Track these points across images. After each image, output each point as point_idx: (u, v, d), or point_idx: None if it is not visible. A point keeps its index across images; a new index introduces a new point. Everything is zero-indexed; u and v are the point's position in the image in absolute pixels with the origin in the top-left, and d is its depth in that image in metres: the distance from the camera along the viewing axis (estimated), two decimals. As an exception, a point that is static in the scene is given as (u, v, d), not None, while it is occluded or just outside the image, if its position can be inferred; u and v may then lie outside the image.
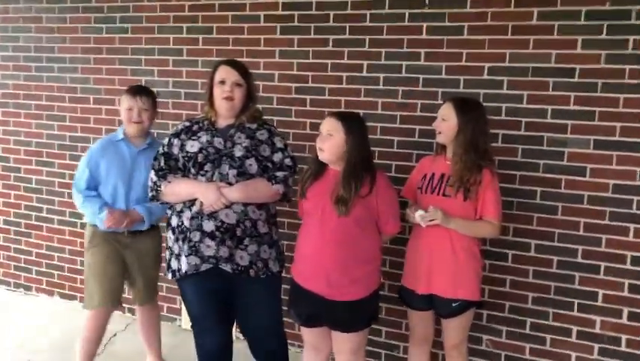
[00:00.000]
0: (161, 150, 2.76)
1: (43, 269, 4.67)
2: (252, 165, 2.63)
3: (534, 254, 3.28)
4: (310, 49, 3.64)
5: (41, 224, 4.63)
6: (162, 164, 2.71)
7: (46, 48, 4.44)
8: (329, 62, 3.60)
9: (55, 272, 4.63)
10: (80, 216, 4.41)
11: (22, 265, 4.74)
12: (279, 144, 2.75)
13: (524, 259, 3.31)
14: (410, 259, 2.85)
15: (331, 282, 2.56)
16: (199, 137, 2.69)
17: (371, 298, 2.63)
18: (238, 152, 2.63)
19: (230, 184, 2.59)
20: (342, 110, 3.42)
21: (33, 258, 4.68)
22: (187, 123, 2.79)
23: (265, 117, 3.55)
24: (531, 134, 3.22)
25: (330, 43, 3.58)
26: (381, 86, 3.49)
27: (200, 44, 3.93)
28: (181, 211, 2.69)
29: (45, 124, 4.51)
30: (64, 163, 4.48)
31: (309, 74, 3.65)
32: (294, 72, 3.69)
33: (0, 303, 4.58)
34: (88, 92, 4.33)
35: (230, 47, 3.83)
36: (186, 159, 2.67)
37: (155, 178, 2.70)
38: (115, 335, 4.07)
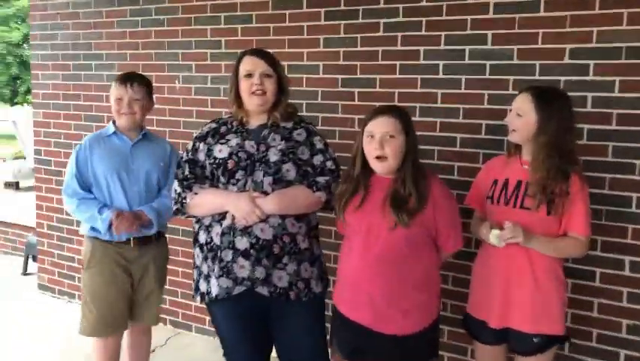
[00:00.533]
0: (185, 156, 2.41)
1: None
2: (289, 170, 2.28)
3: (629, 273, 2.73)
4: (358, 35, 3.20)
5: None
6: (187, 172, 2.36)
7: (84, 45, 4.22)
8: (380, 49, 3.15)
9: None
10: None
11: (65, 271, 4.56)
12: (319, 145, 2.38)
13: (616, 279, 2.76)
14: (479, 284, 2.37)
15: (377, 312, 2.14)
16: (228, 140, 2.34)
17: (427, 333, 2.18)
18: (273, 156, 2.28)
19: (266, 193, 2.24)
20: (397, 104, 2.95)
21: (75, 265, 4.50)
22: (213, 125, 2.43)
23: (307, 114, 3.18)
24: (625, 129, 2.66)
25: (381, 28, 3.13)
26: (440, 75, 3.02)
27: (239, 35, 3.57)
28: (210, 226, 2.33)
29: (84, 125, 4.29)
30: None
31: (357, 63, 3.22)
32: (340, 62, 3.27)
33: (44, 311, 4.42)
34: (125, 90, 4.07)
35: (271, 37, 3.45)
36: (214, 166, 2.32)
37: (179, 189, 2.35)
38: (154, 350, 3.79)
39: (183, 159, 2.42)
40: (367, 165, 2.19)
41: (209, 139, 2.38)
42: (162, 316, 4.09)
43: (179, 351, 3.79)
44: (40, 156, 4.56)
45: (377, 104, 2.99)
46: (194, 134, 2.46)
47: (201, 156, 2.36)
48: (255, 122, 2.38)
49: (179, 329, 4.06)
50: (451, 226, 2.17)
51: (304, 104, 3.37)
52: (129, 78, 2.78)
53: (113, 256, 2.78)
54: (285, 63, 2.62)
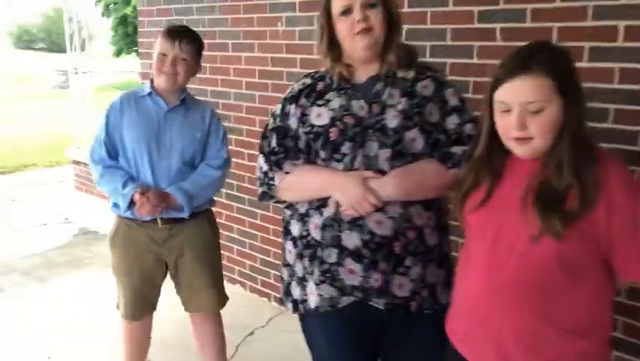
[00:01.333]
0: (271, 122, 1.85)
1: (235, 256, 3.92)
2: (414, 139, 1.67)
3: None
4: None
5: (232, 204, 3.91)
6: (274, 144, 1.81)
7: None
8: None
9: (247, 262, 3.89)
10: (227, 185, 3.75)
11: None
12: (454, 101, 1.72)
13: None
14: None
15: (506, 358, 1.42)
16: (328, 101, 1.75)
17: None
18: (392, 120, 1.67)
19: (382, 173, 1.65)
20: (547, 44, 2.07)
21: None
22: (307, 80, 1.83)
23: (431, 60, 2.43)
24: None
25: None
26: None
27: None
28: (306, 215, 1.77)
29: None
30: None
31: (501, -10, 2.37)
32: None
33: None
34: (226, 36, 3.57)
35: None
36: (311, 136, 1.75)
37: (265, 167, 1.81)
38: (252, 333, 3.38)
39: (269, 127, 1.84)
40: (499, 143, 1.43)
41: (303, 100, 1.78)
42: (266, 291, 3.66)
43: (281, 335, 3.33)
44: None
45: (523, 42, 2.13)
46: (284, 95, 1.86)
47: (293, 123, 1.78)
48: (362, 75, 1.75)
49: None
50: (637, 236, 1.34)
51: (428, 47, 2.60)
52: (178, 34, 2.29)
53: (138, 237, 2.39)
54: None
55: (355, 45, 1.69)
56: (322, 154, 1.71)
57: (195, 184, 2.34)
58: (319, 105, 1.74)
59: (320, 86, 1.78)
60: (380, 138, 1.66)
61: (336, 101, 1.72)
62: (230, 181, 3.68)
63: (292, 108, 1.79)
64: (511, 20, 2.36)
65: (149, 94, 2.35)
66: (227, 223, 3.82)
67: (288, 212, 1.85)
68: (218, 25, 3.60)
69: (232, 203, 3.77)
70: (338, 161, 1.69)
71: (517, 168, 1.42)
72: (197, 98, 2.53)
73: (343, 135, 1.67)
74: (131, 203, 2.27)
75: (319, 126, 1.71)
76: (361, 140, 1.66)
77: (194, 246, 2.43)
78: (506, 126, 1.37)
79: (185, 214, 2.34)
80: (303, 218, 1.77)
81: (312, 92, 1.78)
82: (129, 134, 2.32)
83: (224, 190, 3.74)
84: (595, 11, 2.16)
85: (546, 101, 1.31)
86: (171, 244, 2.40)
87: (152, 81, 2.36)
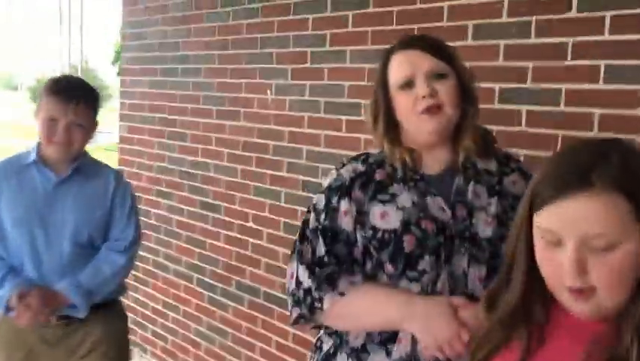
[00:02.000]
0: (313, 219, 1.44)
1: (159, 330, 3.63)
2: None
3: None
4: None
5: (157, 272, 3.61)
6: (322, 252, 1.39)
7: (171, 45, 3.41)
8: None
9: (169, 337, 3.56)
10: (199, 269, 3.28)
11: (139, 319, 3.77)
12: None
13: None
14: None
15: None
16: (394, 196, 1.38)
17: None
18: (485, 227, 1.35)
19: (475, 298, 1.28)
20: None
21: (149, 313, 3.69)
22: (359, 166, 1.45)
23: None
24: None
25: None
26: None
27: (349, 26, 2.48)
28: (362, 351, 1.38)
29: (167, 144, 3.48)
30: (183, 196, 3.39)
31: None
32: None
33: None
34: (210, 102, 3.18)
35: (394, 27, 2.31)
36: (375, 243, 1.37)
37: (307, 282, 1.39)
38: None
39: (310, 226, 1.43)
40: (541, 283, 0.94)
41: (358, 192, 1.40)
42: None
43: None
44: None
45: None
46: (325, 183, 1.46)
47: (346, 223, 1.39)
48: (431, 163, 1.42)
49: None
50: None
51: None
52: (73, 94, 1.87)
53: (26, 337, 1.91)
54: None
55: (420, 127, 1.37)
56: (390, 269, 1.34)
57: (94, 276, 1.89)
58: (382, 202, 1.37)
59: (379, 175, 1.40)
60: (471, 251, 1.31)
61: (406, 198, 1.36)
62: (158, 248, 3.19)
63: (344, 203, 1.38)
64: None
65: (35, 162, 1.92)
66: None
67: (329, 340, 1.43)
68: (202, 90, 3.22)
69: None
70: (413, 280, 1.32)
71: (571, 324, 0.93)
72: (98, 161, 2.09)
73: (422, 246, 1.31)
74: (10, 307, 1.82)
75: (387, 231, 1.33)
76: (447, 253, 1.31)
77: (98, 346, 1.95)
78: (556, 269, 0.89)
79: (81, 314, 1.88)
80: (358, 355, 1.36)
81: (369, 183, 1.40)
82: (8, 215, 1.88)
83: (152, 257, 3.25)
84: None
85: (619, 233, 0.84)
86: (68, 344, 1.92)
87: (38, 145, 1.94)
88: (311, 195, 2.61)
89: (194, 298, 3.35)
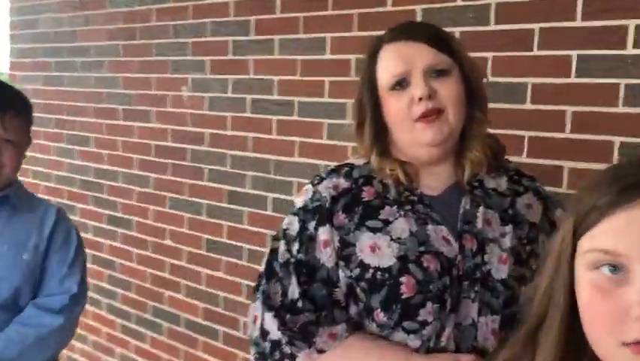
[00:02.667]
0: (283, 250, 1.16)
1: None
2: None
3: None
4: None
5: None
6: (295, 294, 1.12)
7: (67, 34, 2.95)
8: None
9: None
10: (110, 293, 2.86)
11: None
12: (560, 213, 1.21)
13: None
14: None
15: None
16: (386, 222, 1.12)
17: None
18: (499, 266, 1.09)
19: (486, 355, 1.06)
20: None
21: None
22: (342, 182, 1.17)
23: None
24: None
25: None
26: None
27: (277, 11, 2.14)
28: None
29: (66, 150, 3.02)
30: (87, 209, 2.94)
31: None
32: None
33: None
34: (115, 100, 2.76)
35: (330, 12, 2.00)
36: (363, 284, 1.11)
37: (276, 334, 1.12)
38: None
39: (279, 259, 1.15)
40: (581, 336, 0.66)
41: (341, 216, 1.13)
42: None
43: None
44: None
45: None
46: (298, 202, 1.18)
47: (326, 257, 1.12)
48: (430, 181, 1.16)
49: None
50: None
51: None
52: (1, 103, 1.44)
53: None
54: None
55: (417, 136, 1.10)
56: (382, 318, 1.08)
57: (14, 343, 1.43)
58: (373, 230, 1.10)
59: (368, 193, 1.13)
60: (483, 296, 1.07)
61: (402, 225, 1.09)
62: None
63: (324, 231, 1.11)
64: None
65: None
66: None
67: None
68: (105, 86, 2.78)
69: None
70: (412, 333, 1.07)
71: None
72: (34, 194, 1.67)
73: (423, 291, 1.05)
74: None
75: (379, 270, 1.07)
76: (453, 299, 1.06)
77: None
78: (609, 314, 0.62)
79: None
80: None
81: (355, 204, 1.13)
82: None
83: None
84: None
85: None
86: None
87: None
88: (239, 207, 2.27)
89: (104, 326, 2.92)
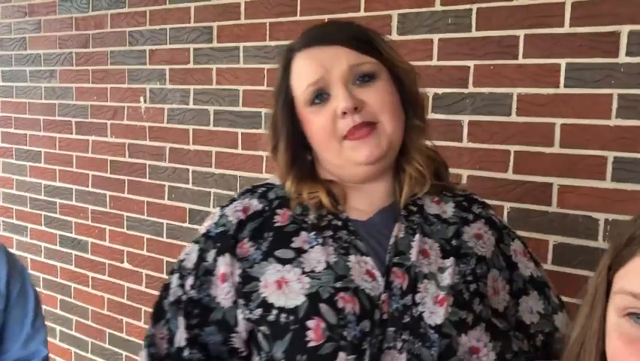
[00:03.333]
0: (175, 285, 0.99)
1: None
2: (478, 350, 0.90)
3: None
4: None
5: None
6: (182, 341, 0.95)
7: (16, 41, 2.74)
8: None
9: None
10: (62, 320, 2.65)
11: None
12: (528, 267, 1.02)
13: None
14: None
15: None
16: (300, 252, 0.94)
17: None
18: (435, 308, 0.90)
19: None
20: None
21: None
22: (254, 202, 1.01)
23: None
24: None
25: None
26: None
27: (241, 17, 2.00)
28: None
29: (15, 166, 2.80)
30: (38, 230, 2.73)
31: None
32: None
33: None
34: (68, 112, 2.56)
35: (299, 17, 1.86)
36: (264, 329, 0.92)
37: None
38: None
39: (169, 297, 0.98)
40: None
41: (247, 244, 0.96)
42: None
43: None
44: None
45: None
46: (202, 228, 1.02)
47: (223, 296, 0.95)
48: (360, 204, 0.99)
49: None
50: None
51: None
52: None
53: None
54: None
55: (348, 156, 0.93)
56: None
57: None
58: (282, 261, 0.92)
59: (282, 218, 0.96)
60: (412, 347, 0.88)
61: (317, 256, 0.92)
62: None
63: (223, 262, 0.94)
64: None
65: None
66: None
67: None
68: (57, 97, 2.58)
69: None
70: None
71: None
72: None
73: (335, 337, 0.87)
74: None
75: (284, 311, 0.89)
76: (374, 350, 0.87)
77: None
78: None
79: None
80: None
81: (265, 229, 0.96)
82: None
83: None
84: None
85: None
86: None
87: None
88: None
89: (57, 355, 2.70)
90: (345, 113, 0.90)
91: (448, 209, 0.99)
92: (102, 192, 2.45)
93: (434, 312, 0.88)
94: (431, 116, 1.62)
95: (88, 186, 2.51)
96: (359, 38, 0.96)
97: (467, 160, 1.58)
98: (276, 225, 0.95)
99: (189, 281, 0.96)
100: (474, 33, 1.56)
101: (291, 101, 0.97)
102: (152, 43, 2.24)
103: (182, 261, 0.99)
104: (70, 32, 2.51)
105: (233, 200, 1.01)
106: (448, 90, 1.60)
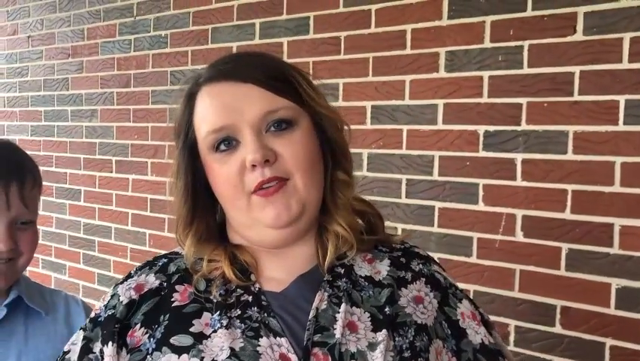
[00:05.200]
0: None
1: None
2: None
3: None
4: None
5: None
6: None
7: (58, 82, 2.79)
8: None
9: None
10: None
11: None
12: (478, 333, 0.83)
13: None
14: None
15: None
16: (202, 337, 0.76)
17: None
18: None
19: None
20: None
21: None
22: (152, 280, 0.83)
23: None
24: None
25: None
26: None
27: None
28: None
29: (55, 204, 2.82)
30: (77, 268, 2.73)
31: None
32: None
33: None
34: (108, 151, 2.58)
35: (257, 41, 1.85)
36: None
37: None
38: None
39: None
40: None
41: (139, 331, 0.79)
42: None
43: None
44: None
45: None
46: (91, 316, 0.84)
47: None
48: (275, 273, 0.82)
49: None
50: None
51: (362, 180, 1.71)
52: (10, 171, 1.11)
53: None
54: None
55: (256, 216, 0.79)
56: None
57: None
58: (178, 350, 0.76)
59: (181, 296, 0.81)
60: None
61: (221, 341, 0.76)
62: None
63: (107, 352, 0.78)
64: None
65: None
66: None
67: None
68: (98, 136, 2.61)
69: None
70: None
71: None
72: (41, 284, 1.28)
73: None
74: None
75: None
76: None
77: None
78: None
79: None
80: None
81: (161, 312, 0.80)
82: None
83: None
84: None
85: None
86: None
87: None
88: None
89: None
90: (254, 165, 0.76)
91: (383, 268, 0.84)
92: (142, 230, 2.44)
93: None
94: (482, 154, 1.60)
95: (127, 225, 2.50)
96: (276, 77, 0.81)
97: (522, 199, 1.53)
98: (173, 305, 0.79)
99: None
100: (526, 70, 1.53)
101: (194, 142, 0.82)
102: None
103: (65, 353, 0.83)
104: (112, 72, 2.55)
105: (128, 276, 0.85)
106: (499, 128, 1.56)
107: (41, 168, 3.01)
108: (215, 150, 0.79)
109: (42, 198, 2.99)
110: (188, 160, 0.81)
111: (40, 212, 2.99)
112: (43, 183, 2.97)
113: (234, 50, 2.11)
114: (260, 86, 0.78)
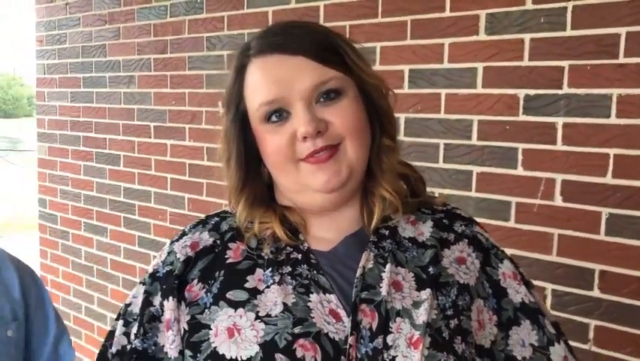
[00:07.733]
0: (119, 335, 0.86)
1: None
2: None
3: None
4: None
5: (91, 321, 3.01)
6: None
7: (96, 48, 2.83)
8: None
9: None
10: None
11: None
12: (519, 292, 0.85)
13: None
14: None
15: None
16: (256, 293, 0.80)
17: None
18: (408, 349, 0.75)
19: None
20: None
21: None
22: (207, 238, 0.86)
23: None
24: None
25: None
26: None
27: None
28: None
29: (96, 169, 2.89)
30: (117, 231, 2.81)
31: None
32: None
33: None
34: (147, 117, 2.62)
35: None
36: None
37: None
38: None
39: (114, 347, 0.85)
40: None
41: (196, 286, 0.83)
42: None
43: None
44: (45, 209, 3.21)
45: None
46: (150, 266, 0.87)
47: (170, 345, 0.82)
48: (324, 233, 0.85)
49: None
50: None
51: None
52: None
53: None
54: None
55: (305, 181, 0.81)
56: None
57: None
58: (234, 304, 0.80)
59: (234, 253, 0.84)
60: None
61: (275, 296, 0.79)
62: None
63: (169, 307, 0.83)
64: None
65: None
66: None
67: None
68: (136, 102, 2.65)
69: None
70: None
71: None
72: None
73: None
74: None
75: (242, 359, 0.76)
76: None
77: None
78: None
79: None
80: None
81: (216, 268, 0.83)
82: None
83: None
84: None
85: None
86: None
87: None
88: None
89: None
90: (306, 137, 0.78)
91: (426, 230, 0.86)
92: (181, 194, 2.50)
93: (408, 356, 0.75)
94: (522, 118, 1.58)
95: (166, 189, 2.56)
96: (325, 48, 0.81)
97: (562, 164, 1.52)
98: (227, 262, 0.83)
99: (134, 329, 0.85)
100: (569, 32, 1.50)
101: (244, 113, 0.83)
102: (230, 48, 2.26)
103: (128, 305, 0.87)
104: (149, 39, 2.57)
105: (183, 233, 0.88)
106: (540, 92, 1.54)
107: (81, 134, 3.08)
108: (266, 120, 0.81)
109: (83, 163, 3.07)
110: (239, 130, 0.84)
111: (81, 176, 3.07)
112: (86, 149, 3.04)
113: (270, 15, 2.11)
114: (310, 58, 0.79)
